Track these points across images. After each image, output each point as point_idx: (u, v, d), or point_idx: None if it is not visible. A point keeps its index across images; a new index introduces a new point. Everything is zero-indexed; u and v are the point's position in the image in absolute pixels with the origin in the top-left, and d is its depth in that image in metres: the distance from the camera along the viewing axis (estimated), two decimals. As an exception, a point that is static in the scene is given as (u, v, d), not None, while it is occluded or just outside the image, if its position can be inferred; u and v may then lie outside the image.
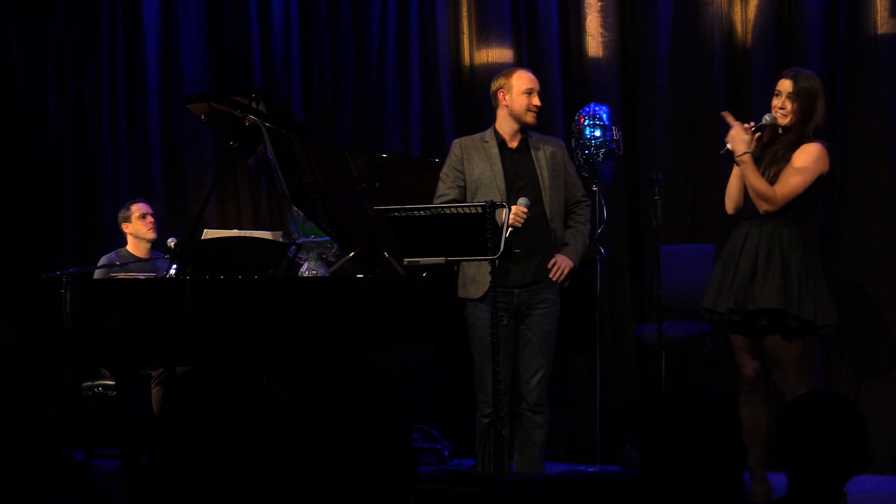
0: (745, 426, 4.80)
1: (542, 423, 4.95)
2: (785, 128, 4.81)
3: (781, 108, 4.79)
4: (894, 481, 5.52)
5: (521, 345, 4.92)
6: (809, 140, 4.78)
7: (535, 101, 4.95)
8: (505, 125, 4.99)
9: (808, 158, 4.76)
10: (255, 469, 1.89)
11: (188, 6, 7.26)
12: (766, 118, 4.82)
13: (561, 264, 4.92)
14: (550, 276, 4.91)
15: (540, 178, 4.93)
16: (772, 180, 4.75)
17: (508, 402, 4.90)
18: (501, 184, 4.89)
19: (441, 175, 5.01)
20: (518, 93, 4.95)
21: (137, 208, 6.52)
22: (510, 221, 4.62)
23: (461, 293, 4.96)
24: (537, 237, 4.88)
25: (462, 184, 4.96)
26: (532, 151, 4.96)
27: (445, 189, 4.97)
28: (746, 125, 4.83)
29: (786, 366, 4.79)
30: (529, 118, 4.96)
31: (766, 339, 4.80)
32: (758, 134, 4.84)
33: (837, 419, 2.37)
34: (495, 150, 4.95)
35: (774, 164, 4.77)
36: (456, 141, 5.07)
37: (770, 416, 4.97)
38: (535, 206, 4.85)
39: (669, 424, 2.15)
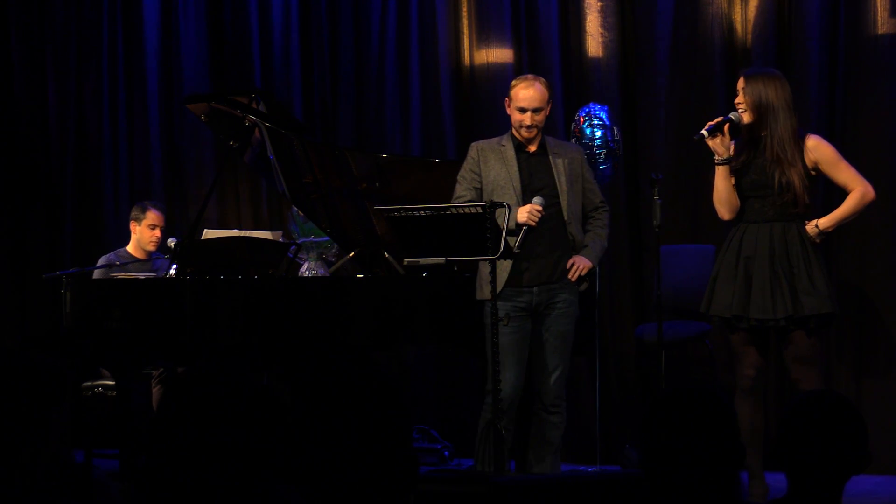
0: (744, 426, 4.81)
1: (558, 423, 4.99)
2: (749, 126, 4.85)
3: (739, 104, 4.85)
4: (894, 481, 5.52)
5: (537, 345, 4.94)
6: (802, 134, 4.85)
7: (526, 120, 4.91)
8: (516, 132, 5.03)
9: (829, 152, 4.88)
10: (255, 469, 1.89)
11: (188, 6, 7.25)
12: (732, 116, 4.87)
13: (579, 264, 4.95)
14: (569, 275, 4.94)
15: (557, 181, 4.96)
16: (787, 184, 4.78)
17: (520, 403, 4.91)
18: (517, 185, 4.92)
19: (458, 177, 5.05)
20: (513, 108, 4.99)
21: (151, 216, 6.48)
22: (524, 220, 4.69)
23: (478, 295, 4.97)
24: (554, 237, 4.93)
25: (478, 185, 4.99)
26: (550, 157, 5.00)
27: (462, 191, 5.00)
28: (714, 132, 4.87)
29: (811, 363, 4.82)
30: (522, 133, 4.95)
31: (797, 339, 4.80)
32: (727, 125, 4.87)
33: (837, 419, 2.37)
34: (511, 153, 4.97)
35: (785, 167, 4.78)
36: (474, 144, 5.10)
37: (767, 417, 4.97)
38: (552, 207, 4.89)
39: (668, 423, 2.15)
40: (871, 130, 5.80)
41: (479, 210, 4.55)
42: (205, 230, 6.28)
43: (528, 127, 4.93)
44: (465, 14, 6.70)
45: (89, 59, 7.39)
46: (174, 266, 5.78)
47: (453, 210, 4.61)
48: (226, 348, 5.31)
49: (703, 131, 4.89)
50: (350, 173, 5.89)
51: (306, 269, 6.07)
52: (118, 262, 6.36)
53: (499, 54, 6.59)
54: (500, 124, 5.71)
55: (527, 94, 4.94)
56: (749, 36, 6.05)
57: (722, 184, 4.91)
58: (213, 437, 1.87)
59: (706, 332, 5.84)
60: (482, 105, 6.59)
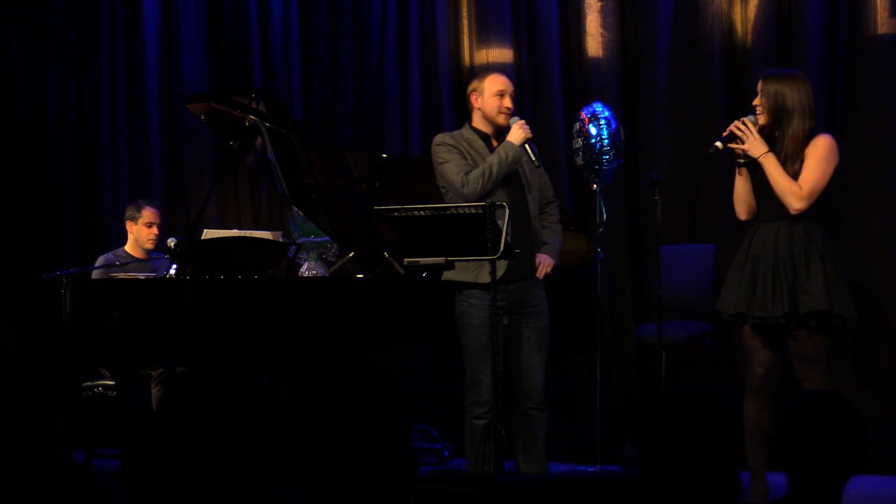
0: (750, 426, 4.83)
1: (545, 419, 5.00)
2: (764, 127, 4.84)
3: (757, 105, 4.84)
4: (894, 481, 5.52)
5: (520, 342, 4.93)
6: (815, 134, 4.81)
7: (507, 102, 4.97)
8: (481, 125, 5.01)
9: (822, 150, 4.80)
10: (254, 469, 1.89)
11: (188, 6, 7.25)
12: (750, 119, 4.87)
13: (545, 262, 4.97)
14: (537, 273, 4.94)
15: (523, 175, 4.97)
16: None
17: (502, 402, 4.89)
18: None
19: (448, 160, 4.89)
20: (490, 95, 4.98)
21: (147, 214, 6.47)
22: (526, 133, 4.84)
23: (463, 276, 4.85)
24: (524, 232, 4.91)
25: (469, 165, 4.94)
26: None
27: (463, 165, 4.88)
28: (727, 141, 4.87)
29: (817, 364, 4.80)
30: (501, 119, 4.98)
31: (800, 337, 4.79)
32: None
33: (837, 419, 2.37)
34: (481, 144, 4.97)
35: (789, 164, 4.78)
36: (440, 137, 5.03)
37: (774, 417, 4.96)
38: (520, 203, 4.89)
39: (666, 425, 2.16)
40: (871, 130, 5.79)
41: (479, 210, 4.55)
42: (205, 230, 6.28)
43: (509, 109, 4.97)
44: (465, 14, 6.70)
45: (89, 59, 7.39)
46: (174, 266, 5.78)
47: (453, 210, 4.61)
48: (226, 348, 5.31)
49: (717, 143, 4.88)
50: (350, 173, 5.89)
51: (306, 269, 6.07)
52: (118, 262, 6.35)
53: (499, 54, 6.59)
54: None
55: (502, 78, 5.03)
56: (749, 36, 6.05)
57: (741, 184, 4.91)
58: (212, 437, 1.87)
59: (706, 332, 5.84)
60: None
